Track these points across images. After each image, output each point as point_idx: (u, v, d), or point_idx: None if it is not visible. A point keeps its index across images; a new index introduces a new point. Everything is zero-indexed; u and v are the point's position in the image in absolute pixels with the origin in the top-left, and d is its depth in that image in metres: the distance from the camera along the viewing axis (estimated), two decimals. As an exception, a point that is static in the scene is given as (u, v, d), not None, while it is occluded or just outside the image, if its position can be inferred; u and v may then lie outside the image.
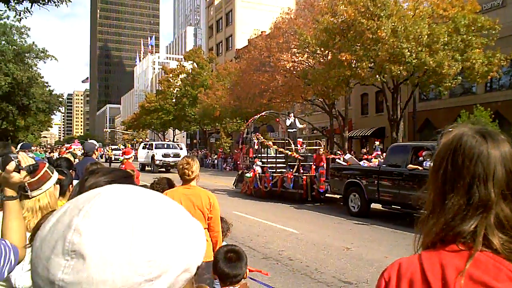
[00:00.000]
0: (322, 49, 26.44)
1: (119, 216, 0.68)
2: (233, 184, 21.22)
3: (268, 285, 5.06)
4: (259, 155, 19.78)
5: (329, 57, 26.27)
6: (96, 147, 8.15)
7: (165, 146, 36.36)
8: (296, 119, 21.17)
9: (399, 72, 21.22)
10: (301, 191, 16.55)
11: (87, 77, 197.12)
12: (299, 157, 18.32)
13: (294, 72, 30.85)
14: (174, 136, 69.45)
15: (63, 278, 0.64)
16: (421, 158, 11.57)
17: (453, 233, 1.08)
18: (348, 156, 17.37)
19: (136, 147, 50.37)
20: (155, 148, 35.01)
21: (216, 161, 44.48)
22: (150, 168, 34.01)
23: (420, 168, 11.24)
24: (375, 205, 13.38)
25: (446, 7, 22.03)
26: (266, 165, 18.79)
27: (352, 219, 12.80)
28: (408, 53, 20.51)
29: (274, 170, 18.49)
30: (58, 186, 2.70)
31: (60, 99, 49.49)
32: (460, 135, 1.15)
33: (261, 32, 37.08)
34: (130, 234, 0.67)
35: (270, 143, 20.15)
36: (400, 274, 1.10)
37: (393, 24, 20.98)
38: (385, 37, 20.76)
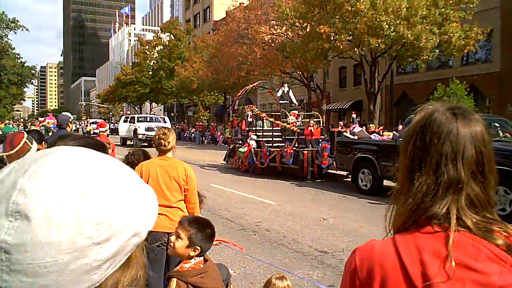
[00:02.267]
0: (300, 21, 26.20)
1: (67, 177, 0.66)
2: (224, 159, 20.12)
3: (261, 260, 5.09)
4: (253, 128, 18.41)
5: (307, 30, 26.07)
6: (70, 120, 7.97)
7: (148, 119, 34.81)
8: (290, 90, 19.93)
9: (377, 45, 21.21)
10: (300, 166, 15.24)
11: (62, 50, 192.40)
12: (298, 130, 16.88)
13: (273, 44, 30.59)
14: (151, 109, 68.71)
15: (6, 239, 0.62)
16: None
17: (426, 216, 1.04)
18: (358, 129, 15.91)
19: (112, 121, 49.78)
20: (137, 121, 33.35)
21: (193, 134, 44.22)
22: (132, 143, 32.44)
23: None
24: (388, 182, 12.18)
25: (425, -20, 21.94)
26: (262, 139, 17.50)
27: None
28: (387, 26, 20.47)
29: (271, 145, 17.18)
30: None
31: (33, 72, 48.31)
32: (431, 112, 1.11)
33: (240, 3, 36.50)
34: (78, 196, 0.65)
35: (265, 115, 18.83)
36: (372, 258, 1.06)
37: (372, -4, 20.86)
38: (363, 9, 20.65)
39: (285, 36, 30.06)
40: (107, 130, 10.69)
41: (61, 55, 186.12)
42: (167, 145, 4.26)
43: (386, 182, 12.13)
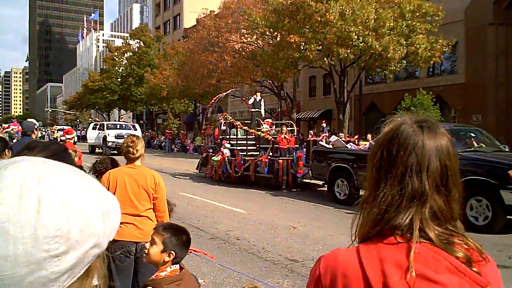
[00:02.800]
0: (271, 30, 26.36)
1: (25, 189, 0.65)
2: (196, 168, 19.67)
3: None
4: (227, 136, 17.94)
5: (278, 39, 26.25)
6: (36, 127, 7.74)
7: (118, 127, 33.67)
8: (262, 100, 19.68)
9: (346, 55, 21.52)
10: (275, 176, 14.99)
11: (27, 55, 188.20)
12: (272, 139, 16.59)
13: (243, 53, 30.66)
14: (119, 117, 67.77)
15: None
16: None
17: (389, 226, 1.05)
18: (333, 138, 15.27)
19: (79, 128, 48.79)
20: (107, 128, 32.16)
21: (163, 142, 43.79)
22: (101, 150, 31.27)
23: None
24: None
25: (393, -8, 22.46)
26: (235, 148, 17.12)
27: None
28: (356, 37, 20.82)
29: (245, 153, 16.72)
30: None
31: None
32: (399, 124, 1.13)
33: (210, 11, 36.51)
34: (35, 208, 0.64)
35: (239, 123, 18.37)
36: (336, 267, 1.07)
37: (341, 7, 21.17)
38: (333, 20, 20.94)
39: (256, 45, 30.19)
40: (73, 137, 10.45)
41: (26, 60, 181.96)
42: (136, 153, 4.18)
43: (362, 192, 11.96)
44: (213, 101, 21.81)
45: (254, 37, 29.58)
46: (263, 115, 19.95)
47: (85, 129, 65.56)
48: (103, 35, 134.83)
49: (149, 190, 4.16)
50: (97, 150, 32.87)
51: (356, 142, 15.94)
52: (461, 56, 27.26)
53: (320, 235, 8.55)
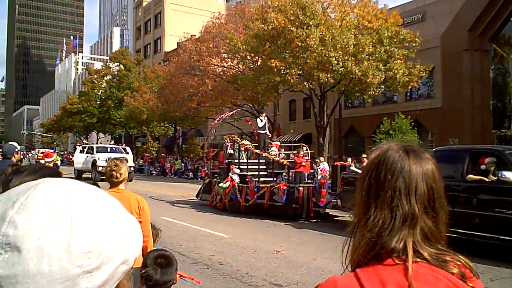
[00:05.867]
0: (252, 54, 26.66)
1: (56, 207, 0.66)
2: (196, 196, 18.01)
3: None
4: (235, 160, 16.28)
5: (259, 63, 26.51)
6: (17, 150, 7.56)
7: (109, 150, 31.48)
8: (266, 120, 18.16)
9: (326, 79, 21.83)
10: (296, 205, 13.36)
11: (3, 77, 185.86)
12: (288, 164, 15.09)
13: (224, 76, 30.86)
14: (98, 140, 67.03)
15: None
16: (483, 167, 9.23)
17: (385, 250, 1.07)
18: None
19: (57, 151, 48.04)
20: (97, 152, 30.11)
21: (142, 166, 43.39)
22: (90, 176, 29.12)
23: (486, 179, 8.86)
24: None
25: (371, 19, 23.03)
26: (246, 173, 15.41)
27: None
28: (335, 62, 21.17)
29: (257, 180, 15.17)
30: None
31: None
32: (385, 150, 1.16)
33: (191, 35, 36.76)
34: (68, 225, 0.65)
35: (251, 146, 16.86)
36: None
37: (321, 33, 21.58)
38: (313, 45, 21.29)
39: (237, 69, 30.43)
40: (53, 160, 10.27)
41: (2, 81, 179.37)
42: (119, 177, 4.13)
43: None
44: (215, 122, 20.80)
45: (235, 61, 29.83)
46: (270, 135, 18.64)
47: (62, 152, 64.51)
48: (82, 58, 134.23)
49: (133, 215, 4.07)
50: (84, 175, 30.57)
51: None
52: (438, 81, 27.90)
53: (303, 259, 8.50)
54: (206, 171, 19.22)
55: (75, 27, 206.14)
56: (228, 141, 17.23)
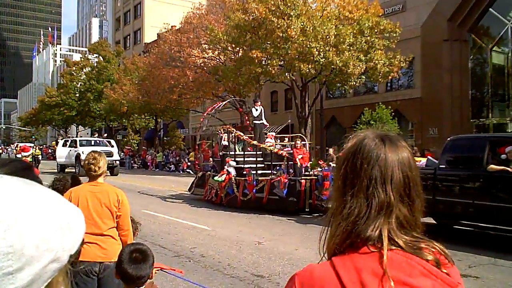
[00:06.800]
0: (233, 45, 26.51)
1: None
2: (189, 189, 17.31)
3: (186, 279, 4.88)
4: (230, 152, 15.46)
5: (240, 54, 26.39)
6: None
7: (93, 143, 30.40)
8: (263, 109, 16.86)
9: (307, 70, 21.83)
10: (294, 199, 12.83)
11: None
12: (287, 155, 14.21)
13: (205, 68, 30.65)
14: (77, 133, 66.17)
15: None
16: (503, 156, 9.03)
17: (360, 239, 1.08)
18: None
19: (35, 145, 47.17)
20: (80, 145, 28.85)
21: (123, 158, 42.96)
22: (74, 170, 27.55)
23: (510, 169, 8.38)
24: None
25: (352, 10, 23.05)
26: (243, 166, 14.69)
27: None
28: (316, 52, 21.16)
29: (255, 172, 14.37)
30: None
31: None
32: (361, 139, 1.17)
33: (171, 26, 36.38)
34: None
35: (247, 137, 15.95)
36: (313, 283, 1.07)
37: (302, 23, 21.53)
38: (294, 36, 21.25)
39: (218, 60, 30.24)
40: (29, 155, 10.07)
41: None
42: (98, 170, 4.07)
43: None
44: (206, 113, 20.24)
45: (216, 52, 29.64)
46: (267, 125, 17.59)
47: (42, 146, 63.58)
48: (60, 50, 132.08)
49: (112, 208, 4.04)
50: (67, 169, 29.29)
51: None
52: (418, 71, 28.13)
53: (285, 250, 8.51)
54: (198, 163, 18.32)
55: (53, 18, 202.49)
56: (222, 132, 16.51)
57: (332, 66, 21.88)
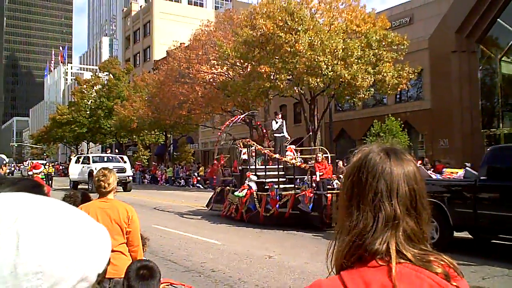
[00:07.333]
0: (241, 61, 26.69)
1: (2, 226, 0.64)
2: (207, 205, 16.88)
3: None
4: (251, 166, 14.95)
5: (248, 69, 26.55)
6: (4, 162, 7.44)
7: (106, 160, 30.24)
8: (284, 122, 16.78)
9: (316, 84, 21.90)
10: (316, 213, 12.45)
11: None
12: (311, 169, 13.71)
13: (214, 83, 30.86)
14: (88, 150, 66.66)
15: None
16: None
17: (368, 253, 1.08)
18: None
19: (48, 162, 47.57)
20: (93, 162, 28.79)
21: (134, 174, 43.12)
22: (87, 187, 27.20)
23: None
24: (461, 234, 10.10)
25: (359, 23, 23.18)
26: (264, 180, 14.21)
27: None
28: (325, 66, 21.24)
29: (277, 187, 13.74)
30: None
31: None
32: (367, 153, 1.17)
33: (180, 43, 36.76)
34: (14, 245, 0.63)
35: (268, 151, 15.49)
36: None
37: (310, 38, 21.66)
38: (302, 50, 21.37)
39: (226, 76, 30.44)
40: (41, 172, 10.17)
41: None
42: (107, 187, 4.10)
43: (457, 234, 9.89)
44: (224, 126, 19.87)
45: (225, 68, 29.85)
46: (289, 138, 17.20)
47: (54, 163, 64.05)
48: (71, 68, 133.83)
49: (122, 224, 4.06)
50: (80, 186, 28.89)
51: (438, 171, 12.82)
52: (427, 82, 28.05)
53: (296, 263, 8.46)
54: (216, 178, 18.03)
55: (64, 38, 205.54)
56: (242, 145, 16.04)
57: (341, 79, 21.92)
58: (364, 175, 1.13)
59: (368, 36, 22.41)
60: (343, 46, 21.63)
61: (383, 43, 22.76)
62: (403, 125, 24.71)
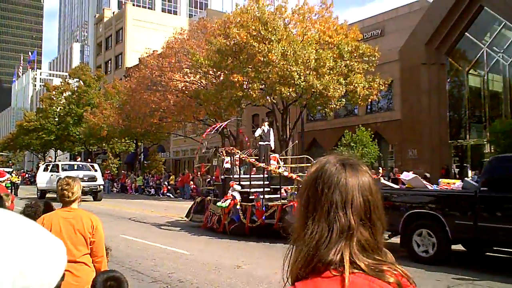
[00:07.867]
0: (214, 70, 26.64)
1: None
2: (186, 216, 16.07)
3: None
4: (234, 176, 14.35)
5: (221, 78, 26.51)
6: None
7: (75, 168, 29.24)
8: (271, 130, 16.21)
9: (288, 93, 22.00)
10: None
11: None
12: (298, 178, 12.84)
13: (186, 92, 30.69)
14: (56, 157, 65.24)
15: None
16: None
17: (322, 263, 1.09)
18: (408, 176, 11.07)
19: (14, 170, 46.19)
20: (62, 170, 27.80)
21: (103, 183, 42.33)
22: (55, 196, 24.27)
23: None
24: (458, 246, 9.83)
25: (332, 34, 23.46)
26: (248, 190, 13.65)
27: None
28: (297, 76, 21.38)
29: (263, 197, 13.00)
30: None
31: None
32: (323, 164, 1.19)
33: (153, 51, 36.46)
34: None
35: (253, 160, 14.95)
36: None
37: (283, 48, 21.79)
38: (275, 60, 21.47)
39: (199, 84, 30.33)
40: (5, 180, 9.83)
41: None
42: (71, 196, 3.95)
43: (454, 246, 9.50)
44: (206, 133, 19.37)
45: (198, 76, 29.74)
46: (273, 147, 16.61)
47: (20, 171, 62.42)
48: (40, 74, 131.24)
49: (86, 235, 3.92)
50: (49, 195, 27.45)
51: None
52: (397, 94, 28.55)
53: (264, 273, 8.37)
54: (196, 188, 17.46)
55: (34, 43, 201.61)
56: (225, 154, 15.30)
57: (313, 90, 22.10)
58: (320, 186, 1.15)
59: (340, 47, 22.71)
60: (316, 57, 21.84)
61: (355, 54, 23.10)
62: (373, 136, 25.04)
